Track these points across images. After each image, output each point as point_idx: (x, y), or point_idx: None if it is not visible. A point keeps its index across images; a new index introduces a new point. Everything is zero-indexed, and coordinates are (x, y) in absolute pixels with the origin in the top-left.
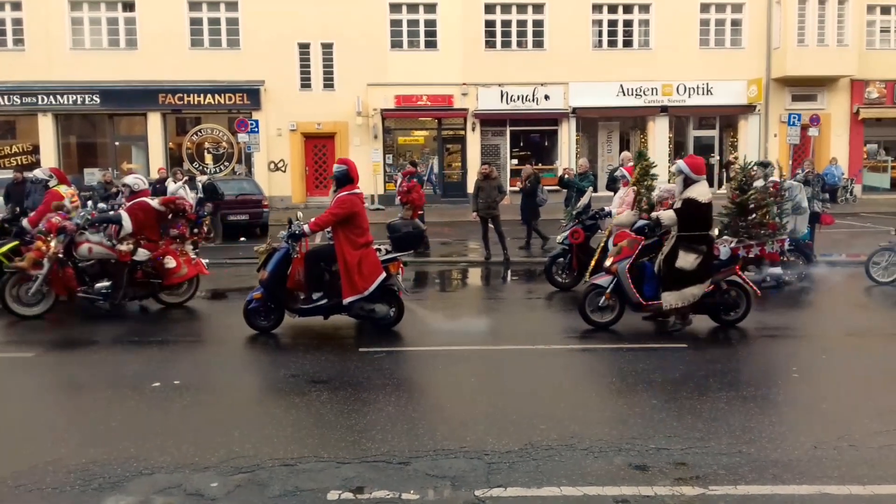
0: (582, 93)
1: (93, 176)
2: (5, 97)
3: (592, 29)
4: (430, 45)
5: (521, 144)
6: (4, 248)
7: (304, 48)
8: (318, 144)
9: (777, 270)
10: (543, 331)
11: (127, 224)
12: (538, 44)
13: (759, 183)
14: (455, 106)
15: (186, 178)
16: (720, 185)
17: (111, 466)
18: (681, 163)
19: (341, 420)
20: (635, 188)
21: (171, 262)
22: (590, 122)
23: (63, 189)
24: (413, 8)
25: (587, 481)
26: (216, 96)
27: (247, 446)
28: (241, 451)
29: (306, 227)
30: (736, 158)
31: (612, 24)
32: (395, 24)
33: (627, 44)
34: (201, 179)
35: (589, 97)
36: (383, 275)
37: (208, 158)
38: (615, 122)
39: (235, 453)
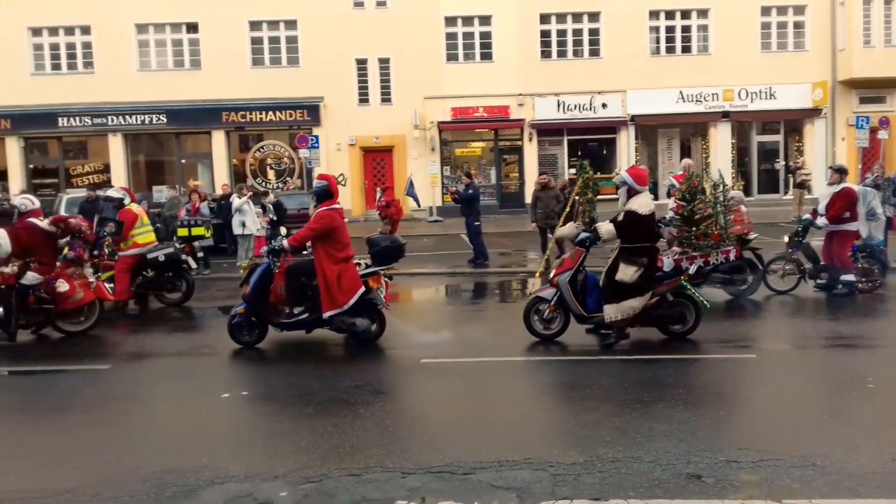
0: (640, 100)
1: (161, 193)
2: (77, 118)
3: (650, 35)
4: (486, 56)
5: (579, 153)
6: None
7: (361, 64)
8: (377, 158)
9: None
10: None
11: (5, 244)
12: (594, 52)
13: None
14: (511, 117)
15: (251, 193)
16: (785, 192)
17: (184, 475)
18: (623, 173)
19: (405, 430)
20: (578, 199)
21: (63, 286)
22: (649, 129)
23: (134, 207)
24: (468, 21)
25: (655, 494)
26: (277, 113)
27: (314, 456)
28: (309, 461)
29: (285, 243)
30: (802, 163)
31: (670, 29)
32: (451, 37)
33: (686, 49)
34: (270, 200)
35: (647, 104)
36: (363, 289)
37: (271, 174)
38: (675, 129)
39: (303, 463)
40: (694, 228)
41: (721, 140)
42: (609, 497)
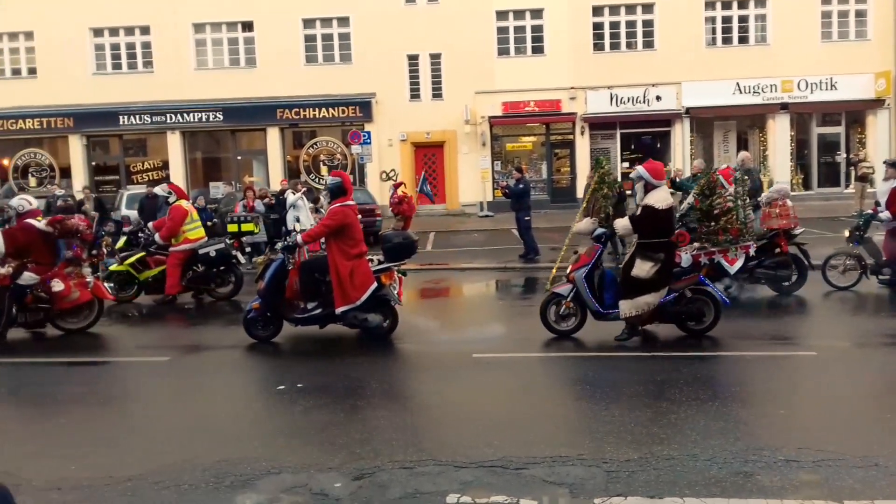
0: (695, 92)
1: (217, 189)
2: (137, 116)
3: (706, 26)
4: (537, 50)
5: (633, 147)
6: (132, 259)
7: (412, 59)
8: (428, 153)
9: None
10: (653, 338)
11: (0, 245)
12: (648, 44)
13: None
14: (563, 110)
15: (305, 189)
16: (846, 185)
17: (241, 465)
18: (640, 168)
19: (457, 424)
20: (597, 195)
21: (58, 286)
22: (705, 122)
23: (184, 204)
24: (519, 14)
25: (711, 493)
26: (330, 109)
27: (367, 448)
28: (362, 453)
29: (299, 238)
30: (864, 156)
31: (727, 20)
32: (502, 31)
33: (743, 40)
34: (321, 205)
35: (703, 97)
36: (375, 285)
37: (324, 170)
38: (731, 121)
39: (356, 455)
40: (713, 223)
41: (779, 132)
42: (664, 495)
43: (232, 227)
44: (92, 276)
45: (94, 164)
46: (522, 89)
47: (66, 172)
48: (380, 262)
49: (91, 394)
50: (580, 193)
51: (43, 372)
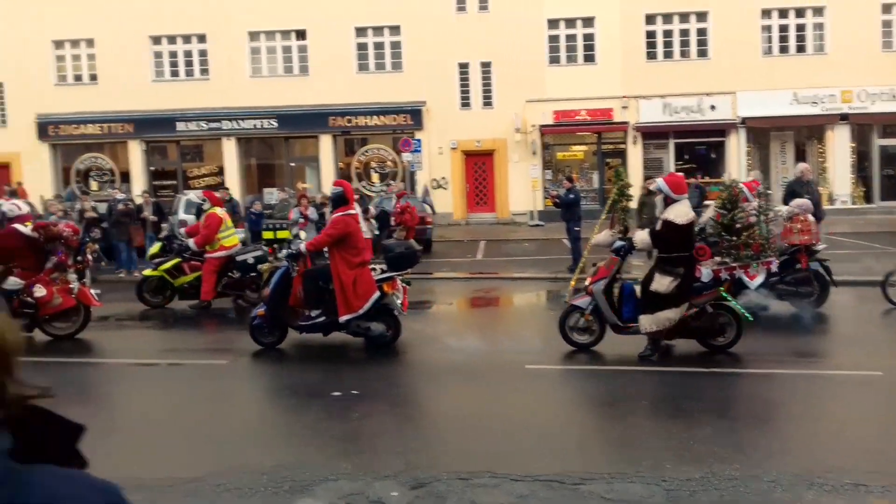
0: (751, 102)
1: (272, 195)
2: (194, 123)
3: (762, 35)
4: (589, 58)
5: (686, 157)
6: (167, 265)
7: (463, 68)
8: (478, 161)
9: None
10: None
11: None
12: (702, 53)
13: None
14: (615, 119)
15: (357, 196)
16: None
17: (299, 470)
18: (660, 181)
19: (512, 435)
20: (616, 207)
21: (39, 291)
22: (761, 132)
23: (219, 211)
24: (571, 23)
25: None
26: (381, 117)
27: (423, 457)
28: (418, 462)
29: (303, 247)
30: None
31: (783, 28)
32: (553, 39)
33: (800, 49)
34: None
35: (759, 106)
36: (377, 294)
37: (375, 177)
38: (789, 132)
39: (413, 464)
40: (734, 238)
41: (839, 144)
42: None
43: (267, 234)
44: (77, 282)
45: (152, 168)
46: (574, 98)
47: (125, 177)
48: (382, 272)
49: (151, 395)
50: (632, 204)
51: (94, 372)
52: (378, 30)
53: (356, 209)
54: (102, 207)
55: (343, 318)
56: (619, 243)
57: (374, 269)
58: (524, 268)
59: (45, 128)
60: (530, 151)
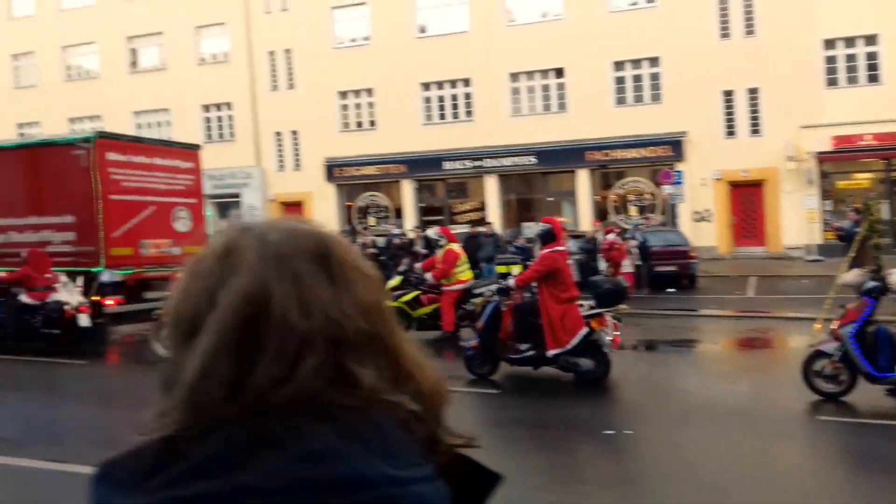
0: None
1: (530, 229)
2: (459, 162)
3: None
4: (873, 79)
5: None
6: (406, 298)
7: (727, 95)
8: (745, 193)
9: None
10: None
11: None
12: None
13: None
14: None
15: (617, 231)
16: None
17: None
18: None
19: (816, 496)
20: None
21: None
22: None
23: (455, 247)
24: (850, 42)
25: None
26: (639, 150)
27: None
28: None
29: (512, 283)
30: None
31: None
32: (830, 60)
33: None
34: (633, 245)
35: None
36: (585, 329)
37: (633, 210)
38: None
39: None
40: None
41: None
42: None
43: (501, 269)
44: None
45: (421, 205)
46: (855, 122)
47: (398, 213)
48: (591, 308)
49: None
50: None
51: None
52: (636, 62)
53: (565, 245)
54: (380, 241)
55: (551, 353)
56: (870, 283)
57: (581, 306)
58: (801, 307)
59: (332, 170)
60: (805, 180)
